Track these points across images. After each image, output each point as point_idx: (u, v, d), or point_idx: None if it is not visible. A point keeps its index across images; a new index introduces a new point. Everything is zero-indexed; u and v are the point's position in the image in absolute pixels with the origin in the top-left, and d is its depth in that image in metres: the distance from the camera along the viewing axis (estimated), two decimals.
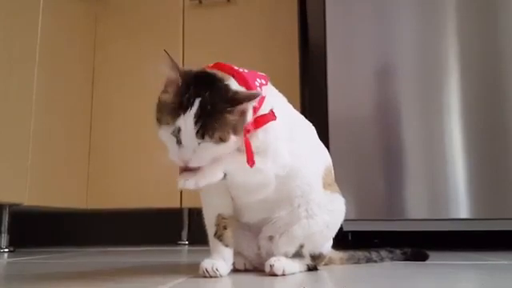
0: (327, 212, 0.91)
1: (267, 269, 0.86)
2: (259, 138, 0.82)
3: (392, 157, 1.57)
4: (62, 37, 1.94)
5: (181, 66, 0.81)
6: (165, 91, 0.80)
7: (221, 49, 2.05)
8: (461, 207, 1.50)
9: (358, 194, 1.56)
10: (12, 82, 1.63)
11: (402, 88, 1.60)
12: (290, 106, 0.95)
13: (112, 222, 2.33)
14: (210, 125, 0.75)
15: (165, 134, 0.78)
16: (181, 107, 0.75)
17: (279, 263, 0.86)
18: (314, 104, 2.18)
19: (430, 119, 1.56)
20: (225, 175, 0.81)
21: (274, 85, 0.91)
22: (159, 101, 0.80)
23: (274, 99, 0.89)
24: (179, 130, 0.75)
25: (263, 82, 0.86)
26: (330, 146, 1.57)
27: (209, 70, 0.83)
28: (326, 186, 0.94)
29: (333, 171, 1.00)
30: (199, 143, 0.75)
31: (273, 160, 0.84)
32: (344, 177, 1.54)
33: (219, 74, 0.82)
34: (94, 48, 2.19)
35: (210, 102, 0.75)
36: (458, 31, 1.60)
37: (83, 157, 2.07)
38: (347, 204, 0.97)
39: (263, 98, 0.82)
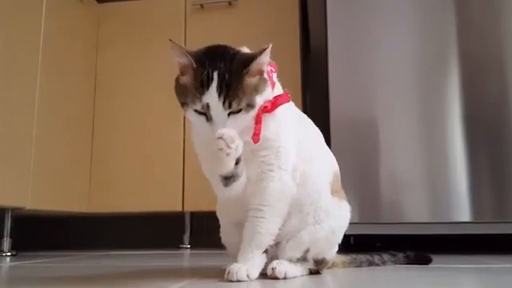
0: (334, 218, 0.91)
1: (269, 272, 0.86)
2: (270, 128, 0.83)
3: (394, 160, 1.57)
4: (64, 40, 1.94)
5: (188, 49, 0.83)
6: (182, 75, 0.82)
7: None
8: (463, 210, 1.50)
9: (361, 197, 1.56)
10: (14, 85, 1.64)
11: (403, 90, 1.60)
12: (298, 110, 0.96)
13: (114, 225, 2.33)
14: (232, 92, 0.76)
15: (194, 114, 0.79)
16: (203, 84, 0.77)
17: (281, 267, 0.86)
18: (315, 107, 2.18)
19: (432, 122, 1.56)
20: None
21: None
22: (179, 86, 0.82)
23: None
24: (208, 105, 0.77)
25: (272, 69, 0.88)
26: (332, 149, 1.54)
27: (218, 44, 0.86)
28: (333, 192, 0.93)
29: (340, 177, 0.99)
30: (228, 114, 0.77)
31: (282, 164, 0.84)
32: (346, 180, 1.53)
33: (228, 44, 0.85)
34: (96, 52, 2.20)
35: (226, 71, 0.77)
36: (460, 32, 1.60)
37: (85, 161, 2.07)
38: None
39: (274, 82, 0.85)
